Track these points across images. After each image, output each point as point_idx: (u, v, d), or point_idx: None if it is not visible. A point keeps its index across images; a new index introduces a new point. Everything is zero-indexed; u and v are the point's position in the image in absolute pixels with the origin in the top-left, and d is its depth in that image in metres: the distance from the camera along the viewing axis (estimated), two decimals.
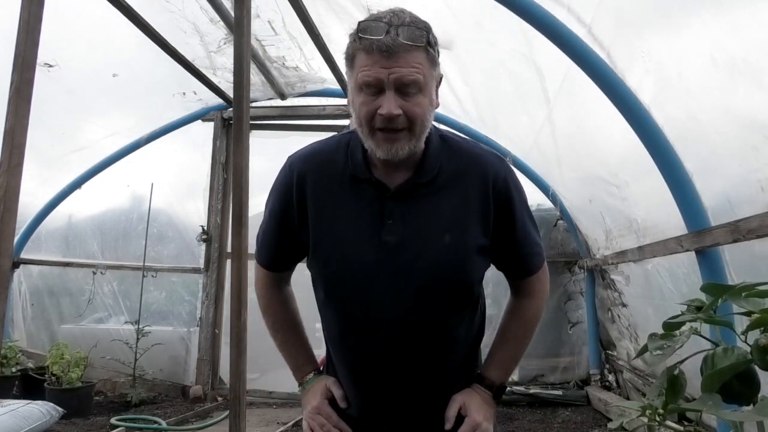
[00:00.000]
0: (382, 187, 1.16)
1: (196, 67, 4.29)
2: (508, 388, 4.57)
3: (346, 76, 1.14)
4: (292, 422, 4.07)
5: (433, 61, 1.09)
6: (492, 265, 1.28)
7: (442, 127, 1.29)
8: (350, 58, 1.09)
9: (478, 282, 1.23)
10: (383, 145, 1.09)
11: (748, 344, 0.68)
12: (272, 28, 3.84)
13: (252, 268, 2.38)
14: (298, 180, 1.20)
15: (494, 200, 1.17)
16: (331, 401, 1.27)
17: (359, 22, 1.06)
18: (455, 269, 1.15)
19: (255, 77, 4.45)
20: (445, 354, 1.22)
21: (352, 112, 1.13)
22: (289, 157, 1.26)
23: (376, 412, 1.24)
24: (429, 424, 1.24)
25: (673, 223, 2.58)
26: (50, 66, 3.83)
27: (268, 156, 5.09)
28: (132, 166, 5.27)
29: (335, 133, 1.32)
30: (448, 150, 1.20)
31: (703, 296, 0.80)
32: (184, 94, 4.92)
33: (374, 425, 1.26)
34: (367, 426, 1.26)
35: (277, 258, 1.32)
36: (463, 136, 1.32)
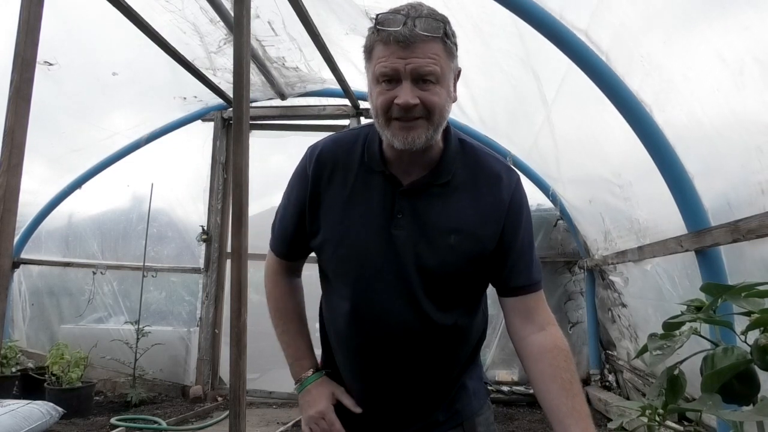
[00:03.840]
0: (394, 182, 1.17)
1: (196, 67, 4.30)
2: (508, 388, 4.59)
3: (364, 69, 1.15)
4: (292, 422, 4.07)
5: (451, 53, 1.09)
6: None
7: None
8: (369, 50, 1.10)
9: (478, 285, 1.23)
10: (399, 133, 1.08)
11: (747, 344, 0.68)
12: (272, 28, 3.85)
13: (252, 267, 2.39)
14: (315, 167, 1.22)
15: (507, 211, 1.17)
16: (337, 408, 1.26)
17: (377, 15, 1.07)
18: (456, 270, 1.16)
19: (255, 77, 4.45)
20: (446, 351, 1.22)
21: (370, 104, 1.13)
22: (310, 146, 1.28)
23: (378, 411, 1.24)
24: (429, 422, 1.24)
25: (675, 224, 2.58)
26: (50, 64, 3.83)
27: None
28: (132, 166, 5.27)
29: (356, 126, 1.34)
30: (465, 154, 1.21)
31: (702, 296, 0.80)
32: (184, 98, 4.93)
33: (375, 424, 1.25)
34: (368, 426, 1.26)
35: (290, 244, 1.30)
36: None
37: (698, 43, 2.06)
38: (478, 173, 1.19)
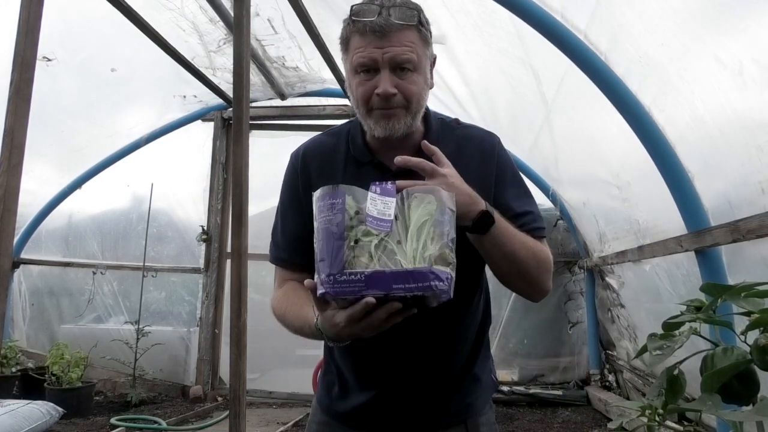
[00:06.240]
0: (383, 169, 1.19)
1: (196, 66, 4.29)
2: (508, 388, 4.59)
3: (341, 61, 1.17)
4: (292, 422, 4.07)
5: (426, 41, 1.12)
6: None
7: None
8: (345, 41, 1.13)
9: (480, 258, 1.21)
10: (381, 122, 1.12)
11: (747, 344, 0.68)
12: (272, 26, 3.85)
13: (252, 267, 2.39)
14: (302, 169, 1.24)
15: (495, 176, 1.21)
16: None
17: (352, 6, 1.10)
18: (458, 243, 1.16)
19: (255, 77, 4.45)
20: (451, 335, 1.21)
21: (350, 95, 1.16)
22: (292, 152, 1.30)
23: (384, 405, 1.23)
24: (433, 414, 1.22)
25: (674, 224, 2.58)
26: (48, 60, 3.77)
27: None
28: (132, 166, 5.27)
29: (334, 126, 1.35)
30: (447, 131, 1.25)
31: (702, 296, 0.80)
32: (184, 96, 4.92)
33: (380, 419, 1.24)
34: (371, 418, 1.24)
35: (294, 249, 1.24)
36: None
37: (697, 43, 2.06)
38: (462, 146, 1.22)
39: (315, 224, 0.96)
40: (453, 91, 3.95)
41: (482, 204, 1.05)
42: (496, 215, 1.07)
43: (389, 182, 0.97)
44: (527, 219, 1.20)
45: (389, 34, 1.05)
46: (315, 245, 0.95)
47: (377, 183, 0.97)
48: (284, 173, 1.29)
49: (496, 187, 1.20)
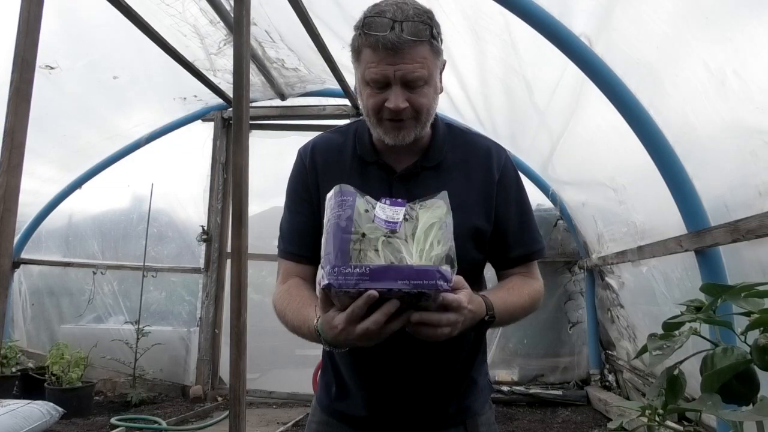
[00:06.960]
0: (388, 170, 1.21)
1: (197, 68, 4.30)
2: (508, 388, 4.59)
3: (352, 66, 1.17)
4: (292, 422, 4.07)
5: (437, 52, 1.12)
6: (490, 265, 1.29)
7: None
8: (356, 51, 1.13)
9: (479, 263, 1.25)
10: (391, 132, 1.14)
11: (747, 344, 0.68)
12: (270, 38, 3.90)
13: (252, 267, 2.39)
14: (310, 165, 1.25)
15: (498, 185, 1.22)
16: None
17: (365, 16, 1.09)
18: (458, 247, 1.16)
19: (255, 78, 4.45)
20: (449, 338, 1.20)
21: (360, 103, 1.17)
22: (300, 147, 1.31)
23: (381, 406, 1.23)
24: (432, 416, 1.22)
25: (672, 226, 2.58)
26: (51, 68, 3.83)
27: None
28: (132, 166, 5.28)
29: (342, 125, 1.36)
30: (454, 137, 1.26)
31: (702, 296, 0.80)
32: (184, 98, 4.93)
33: (378, 420, 1.24)
34: (371, 418, 1.24)
35: (303, 241, 1.23)
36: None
37: (689, 51, 2.08)
38: (468, 153, 1.24)
39: (324, 222, 0.98)
40: (450, 93, 3.96)
41: (482, 313, 1.08)
42: (495, 304, 1.10)
43: (400, 199, 1.01)
44: (526, 239, 1.25)
45: (401, 51, 1.04)
46: (323, 241, 0.96)
47: (388, 198, 1.01)
48: (292, 168, 1.30)
49: (498, 199, 1.22)
